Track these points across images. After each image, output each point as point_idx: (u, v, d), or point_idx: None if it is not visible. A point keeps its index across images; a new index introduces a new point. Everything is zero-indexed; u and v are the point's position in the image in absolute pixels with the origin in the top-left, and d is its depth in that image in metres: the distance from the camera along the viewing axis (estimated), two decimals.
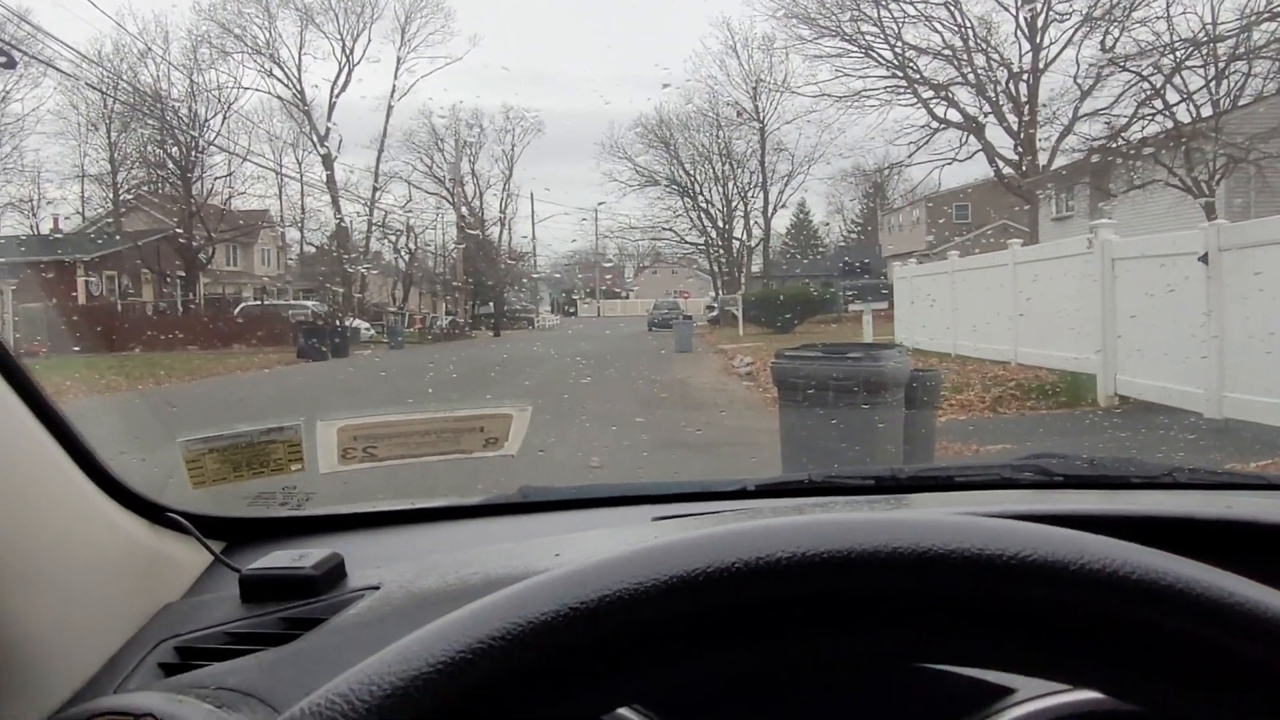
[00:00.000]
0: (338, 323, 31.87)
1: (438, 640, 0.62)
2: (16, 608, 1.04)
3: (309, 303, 39.82)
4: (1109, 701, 0.99)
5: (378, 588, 1.24)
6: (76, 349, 26.19)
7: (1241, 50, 25.64)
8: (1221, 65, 25.90)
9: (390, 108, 52.07)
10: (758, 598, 0.62)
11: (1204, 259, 10.13)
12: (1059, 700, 1.04)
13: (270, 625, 1.21)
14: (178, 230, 38.79)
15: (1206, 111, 25.60)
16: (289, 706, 1.03)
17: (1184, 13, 28.37)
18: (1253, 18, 25.15)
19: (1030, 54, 33.89)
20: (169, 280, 40.15)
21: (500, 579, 1.19)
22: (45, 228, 44.99)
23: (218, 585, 1.36)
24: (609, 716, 1.03)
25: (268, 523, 1.57)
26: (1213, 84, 26.34)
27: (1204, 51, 25.54)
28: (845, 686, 1.10)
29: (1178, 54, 25.46)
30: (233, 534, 1.53)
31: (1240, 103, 26.34)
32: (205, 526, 1.42)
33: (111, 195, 43.75)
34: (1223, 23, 26.25)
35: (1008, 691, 1.07)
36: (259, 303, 40.93)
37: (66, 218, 45.98)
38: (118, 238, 39.54)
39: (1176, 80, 25.59)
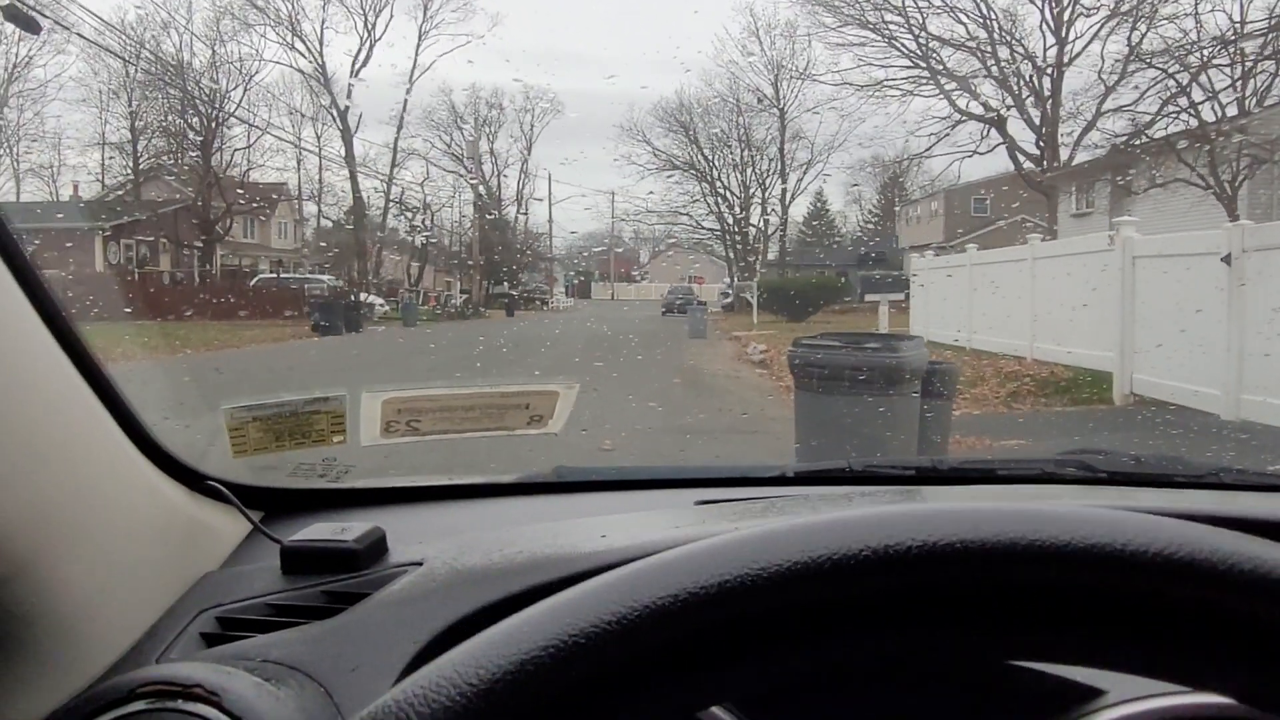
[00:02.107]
0: (352, 298, 31.91)
1: (549, 622, 0.60)
2: (60, 571, 1.04)
3: (324, 277, 39.89)
4: (1203, 707, 0.97)
5: (420, 564, 1.23)
6: (92, 316, 26.25)
7: (1269, 50, 25.40)
8: (1249, 65, 25.67)
9: (410, 84, 52.11)
10: (895, 586, 0.60)
11: (1227, 260, 10.05)
12: (1151, 705, 1.02)
13: (312, 598, 1.20)
14: (196, 201, 38.86)
15: (1232, 111, 25.39)
16: (334, 681, 1.02)
17: (1212, 10, 28.12)
18: None
19: (1055, 48, 33.66)
20: (186, 250, 40.23)
21: (545, 559, 1.18)
22: (65, 194, 45.18)
23: (257, 556, 1.35)
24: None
25: (307, 494, 1.56)
26: (1239, 83, 26.12)
27: (1231, 50, 25.33)
28: (929, 685, 1.08)
29: (1204, 52, 25.26)
30: (271, 505, 1.52)
31: (1267, 103, 26.11)
32: (244, 496, 1.41)
33: (131, 164, 43.84)
34: (1251, 21, 26.02)
35: (1098, 693, 1.05)
36: (274, 276, 40.98)
37: (86, 185, 46.20)
38: (136, 206, 39.64)
39: (1202, 79, 25.38)
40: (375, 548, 1.28)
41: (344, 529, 1.28)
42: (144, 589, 1.18)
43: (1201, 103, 25.11)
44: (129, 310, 26.95)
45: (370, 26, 51.27)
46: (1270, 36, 25.10)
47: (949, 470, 1.80)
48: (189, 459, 1.33)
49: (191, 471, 1.34)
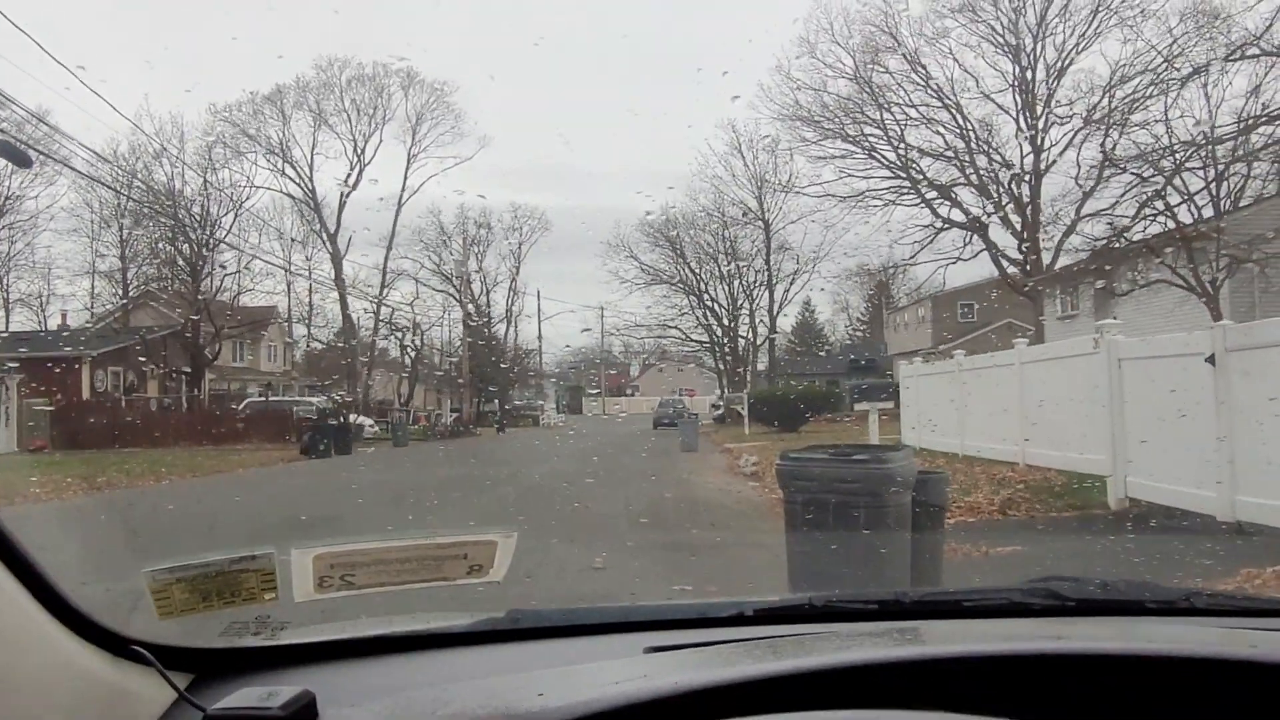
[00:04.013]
0: (342, 420, 31.83)
1: None
2: None
3: (314, 399, 39.83)
4: None
5: None
6: (79, 445, 26.16)
7: (1240, 152, 25.96)
8: (1221, 167, 26.21)
9: (399, 207, 52.92)
10: None
11: (1211, 360, 10.06)
12: None
13: None
14: (185, 326, 39.00)
15: (1208, 212, 25.83)
16: None
17: (1182, 116, 28.74)
18: (1250, 121, 25.54)
19: (1032, 155, 34.38)
20: (174, 376, 40.24)
21: None
22: (54, 323, 45.39)
23: None
24: None
25: (240, 653, 1.49)
26: (1213, 185, 26.64)
27: (1203, 154, 25.88)
28: None
29: (1177, 156, 25.80)
30: (203, 666, 1.44)
31: (1241, 203, 26.59)
32: (173, 658, 1.34)
33: (121, 291, 44.17)
34: (1220, 126, 26.67)
35: None
36: (264, 399, 40.94)
37: (75, 313, 46.49)
38: (125, 334, 39.76)
39: (1177, 181, 25.88)
40: (303, 714, 1.20)
41: (271, 694, 1.21)
42: None
43: (1178, 205, 25.60)
44: (117, 438, 26.90)
45: (360, 152, 52.41)
46: (1239, 140, 25.69)
47: (912, 604, 1.74)
48: (111, 622, 1.27)
49: (114, 635, 1.27)
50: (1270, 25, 23.79)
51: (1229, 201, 27.24)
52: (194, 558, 1.43)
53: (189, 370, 39.82)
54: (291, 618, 1.56)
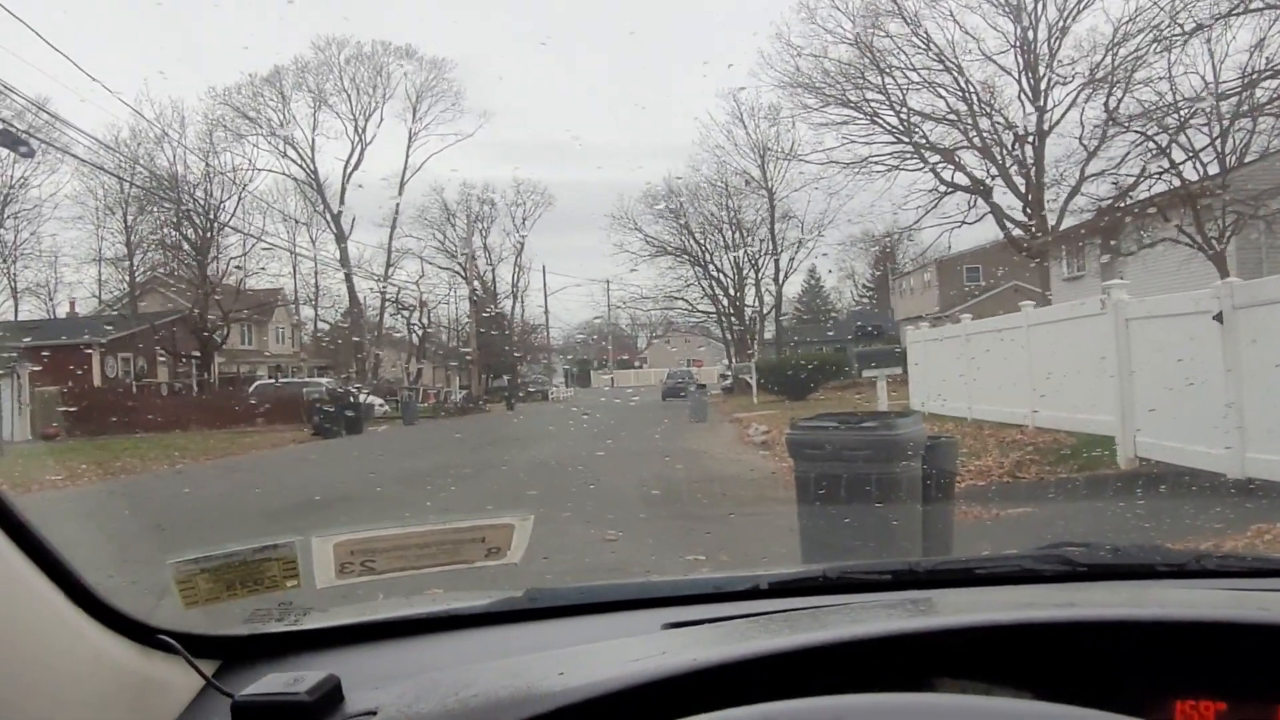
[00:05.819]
0: (351, 400, 31.95)
1: None
2: None
3: (323, 380, 39.95)
4: None
5: (375, 713, 1.18)
6: (91, 431, 26.30)
7: (1245, 108, 25.74)
8: (1225, 123, 25.98)
9: (402, 185, 52.91)
10: None
11: (1219, 318, 10.05)
12: None
13: None
14: (193, 311, 39.11)
15: (1214, 169, 25.63)
16: None
17: (1186, 72, 28.52)
18: (1254, 75, 25.32)
19: (1035, 116, 34.12)
20: (184, 361, 40.38)
21: (500, 701, 1.14)
22: (62, 311, 45.53)
23: (210, 711, 1.30)
24: None
25: (264, 639, 1.52)
26: (1218, 142, 26.41)
27: (1207, 110, 25.67)
28: None
29: (1181, 113, 25.60)
30: (228, 653, 1.47)
31: (1246, 160, 26.39)
32: (199, 646, 1.37)
33: (128, 278, 44.25)
34: (1224, 81, 26.43)
35: None
36: (273, 381, 41.07)
37: (83, 300, 46.63)
38: (133, 320, 39.90)
39: (1182, 139, 25.67)
40: (329, 698, 1.23)
41: (297, 679, 1.24)
42: None
43: (1182, 163, 25.41)
44: (128, 423, 27.02)
45: (361, 131, 52.34)
46: (1244, 95, 25.46)
47: (925, 573, 1.76)
48: (137, 612, 1.29)
49: (141, 625, 1.30)
50: None
51: (1234, 158, 27.02)
52: (217, 548, 1.46)
53: (198, 354, 39.95)
54: (312, 603, 1.60)
